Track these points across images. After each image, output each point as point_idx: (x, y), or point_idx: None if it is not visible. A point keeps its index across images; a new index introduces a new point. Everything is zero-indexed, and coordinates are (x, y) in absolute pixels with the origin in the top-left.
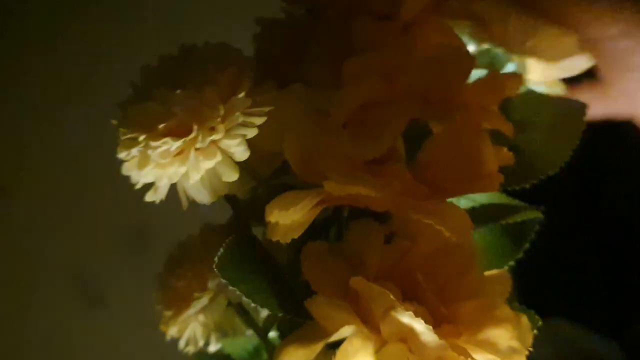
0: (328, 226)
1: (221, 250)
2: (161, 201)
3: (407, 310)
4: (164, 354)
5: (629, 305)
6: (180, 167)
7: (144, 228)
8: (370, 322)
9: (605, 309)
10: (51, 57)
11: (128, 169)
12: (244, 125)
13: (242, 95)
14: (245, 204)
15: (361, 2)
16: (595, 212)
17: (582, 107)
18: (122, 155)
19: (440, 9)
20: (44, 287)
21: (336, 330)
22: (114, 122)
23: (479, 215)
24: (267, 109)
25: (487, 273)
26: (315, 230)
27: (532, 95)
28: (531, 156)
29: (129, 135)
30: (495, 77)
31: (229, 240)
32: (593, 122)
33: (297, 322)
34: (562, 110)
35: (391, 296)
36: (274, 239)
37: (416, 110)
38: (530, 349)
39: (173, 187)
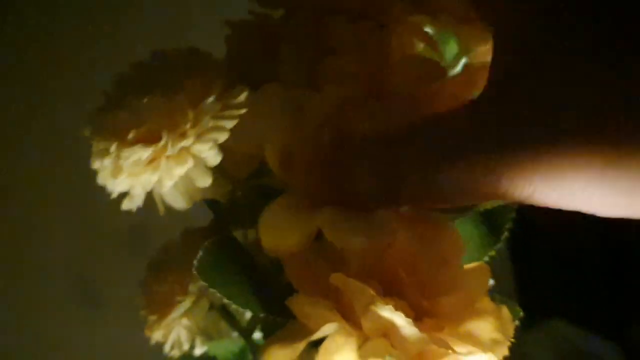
0: None
1: (200, 253)
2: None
3: (387, 304)
4: (161, 355)
5: (629, 305)
6: (152, 175)
7: (143, 229)
8: (352, 319)
9: (605, 309)
10: (48, 56)
11: (102, 179)
12: (215, 129)
13: (211, 99)
14: (225, 206)
15: (335, 2)
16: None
17: None
18: (95, 165)
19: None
20: (42, 289)
21: (318, 328)
22: (86, 132)
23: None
24: (238, 112)
25: (466, 266)
26: None
27: None
28: None
29: (100, 146)
30: (469, 71)
31: (208, 243)
32: None
33: (281, 323)
34: None
35: (371, 291)
36: (273, 255)
37: (399, 109)
38: (513, 340)
39: None
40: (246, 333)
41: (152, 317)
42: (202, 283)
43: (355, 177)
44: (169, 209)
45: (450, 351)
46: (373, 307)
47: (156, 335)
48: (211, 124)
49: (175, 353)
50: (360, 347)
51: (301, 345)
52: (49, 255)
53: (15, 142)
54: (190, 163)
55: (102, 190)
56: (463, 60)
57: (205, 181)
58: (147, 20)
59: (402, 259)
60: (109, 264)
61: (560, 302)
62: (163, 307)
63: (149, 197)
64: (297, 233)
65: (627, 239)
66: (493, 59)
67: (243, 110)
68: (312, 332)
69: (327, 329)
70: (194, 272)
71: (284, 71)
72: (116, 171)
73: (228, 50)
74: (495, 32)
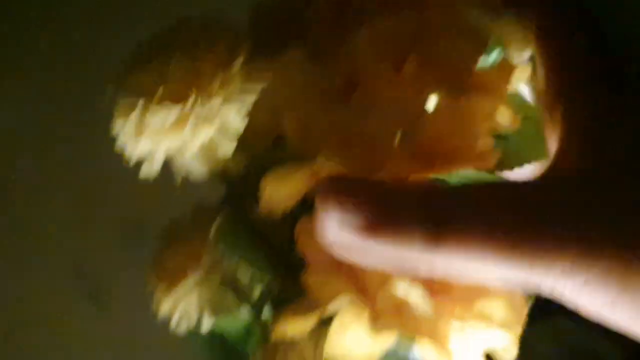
0: None
1: (218, 220)
2: (160, 195)
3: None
4: (164, 347)
5: None
6: (178, 135)
7: (143, 222)
8: (365, 294)
9: None
10: (48, 45)
11: (123, 140)
12: (243, 92)
13: (239, 61)
14: (237, 180)
15: None
16: None
17: None
18: (118, 125)
19: None
20: (42, 283)
21: (331, 301)
22: (108, 90)
23: None
24: (263, 78)
25: None
26: (310, 205)
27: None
28: (519, 145)
29: (124, 104)
30: (506, 65)
31: (225, 212)
32: None
33: (291, 297)
34: None
35: None
36: (265, 211)
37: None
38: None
39: (170, 180)
40: (256, 308)
41: (161, 287)
42: (215, 255)
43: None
44: (167, 204)
45: (463, 328)
46: (388, 284)
47: (164, 308)
48: (240, 85)
49: (182, 328)
50: (372, 323)
51: (314, 318)
52: (49, 249)
53: (14, 137)
54: (216, 124)
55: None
56: (496, 51)
57: (228, 147)
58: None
59: None
60: (108, 257)
61: None
62: (172, 281)
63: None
64: (291, 184)
65: None
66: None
67: (267, 77)
68: (325, 306)
69: (340, 302)
70: (212, 238)
71: (309, 39)
72: (140, 129)
73: (251, 18)
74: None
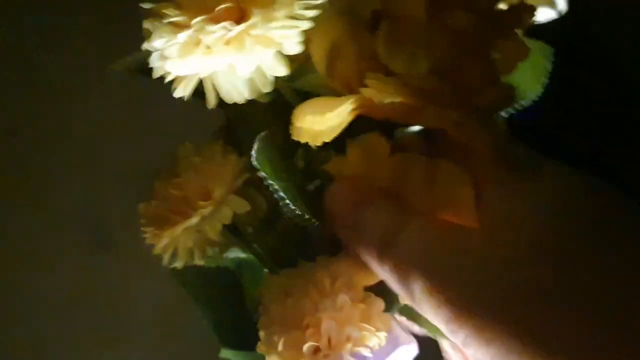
0: None
1: (257, 144)
2: (167, 144)
3: None
4: (170, 295)
5: None
6: (233, 54)
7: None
8: None
9: None
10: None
11: (161, 59)
12: (301, 16)
13: None
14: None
15: None
16: None
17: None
18: (158, 42)
19: None
20: (52, 232)
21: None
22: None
23: None
24: (317, 4)
25: None
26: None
27: None
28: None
29: (175, 19)
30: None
31: (261, 136)
32: None
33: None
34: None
35: None
36: (303, 141)
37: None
38: None
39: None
40: (253, 250)
41: (158, 228)
42: (225, 191)
43: None
44: None
45: None
46: None
47: (163, 243)
48: (297, 10)
49: (180, 264)
50: None
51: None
52: (58, 198)
53: (26, 82)
54: (274, 47)
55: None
56: None
57: (282, 70)
58: None
59: None
60: (117, 206)
61: None
62: (175, 214)
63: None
64: (336, 117)
65: None
66: None
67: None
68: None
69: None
70: (254, 163)
71: None
72: (190, 48)
73: None
74: None
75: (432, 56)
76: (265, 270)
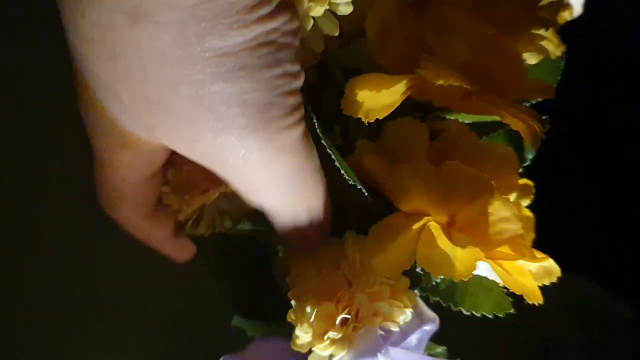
0: None
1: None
2: None
3: None
4: (179, 271)
5: None
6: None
7: None
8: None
9: (623, 267)
10: None
11: None
12: None
13: None
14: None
15: None
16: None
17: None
18: None
19: None
20: (57, 207)
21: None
22: None
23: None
24: None
25: None
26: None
27: None
28: (537, 74)
29: None
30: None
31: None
32: None
33: None
34: None
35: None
36: (355, 116)
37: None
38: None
39: None
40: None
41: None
42: None
43: None
44: None
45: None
46: None
47: (186, 212)
48: None
49: (204, 230)
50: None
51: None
52: (63, 172)
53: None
54: (326, 5)
55: None
56: None
57: (334, 30)
58: None
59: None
60: None
61: (580, 259)
62: (206, 180)
63: None
64: (392, 95)
65: None
66: None
67: None
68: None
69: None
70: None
71: None
72: None
73: None
74: None
75: (474, 44)
76: None
